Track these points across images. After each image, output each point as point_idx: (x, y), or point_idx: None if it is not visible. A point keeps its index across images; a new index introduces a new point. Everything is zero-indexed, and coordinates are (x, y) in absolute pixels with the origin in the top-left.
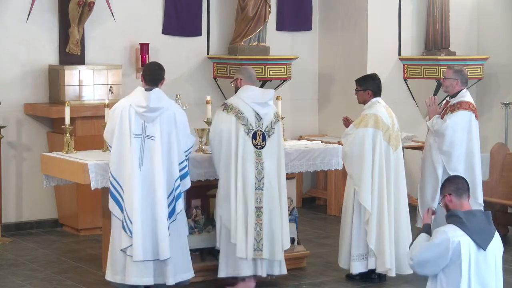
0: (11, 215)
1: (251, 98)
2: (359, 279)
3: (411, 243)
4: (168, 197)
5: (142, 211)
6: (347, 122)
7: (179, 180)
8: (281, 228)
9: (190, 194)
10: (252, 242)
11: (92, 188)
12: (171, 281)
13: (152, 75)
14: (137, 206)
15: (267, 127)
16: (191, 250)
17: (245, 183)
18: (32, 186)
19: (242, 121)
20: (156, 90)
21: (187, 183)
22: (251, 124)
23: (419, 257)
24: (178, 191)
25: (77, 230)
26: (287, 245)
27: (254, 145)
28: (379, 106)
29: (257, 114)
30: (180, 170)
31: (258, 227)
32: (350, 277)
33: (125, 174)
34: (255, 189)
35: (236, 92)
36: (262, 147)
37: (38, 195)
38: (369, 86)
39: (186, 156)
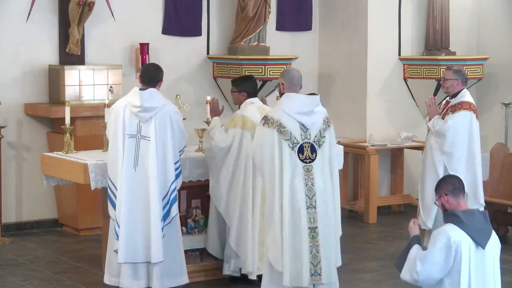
0: (11, 215)
1: (294, 108)
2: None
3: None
4: (163, 199)
5: (132, 212)
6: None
7: (175, 183)
8: (335, 246)
9: (190, 194)
10: (308, 267)
11: (92, 188)
12: (157, 286)
13: (148, 75)
14: (124, 208)
15: (315, 136)
16: (191, 250)
17: (294, 202)
18: (32, 186)
19: (285, 136)
20: (149, 90)
21: (178, 183)
22: (295, 138)
23: (426, 269)
24: (173, 194)
25: (77, 230)
26: (339, 262)
27: (302, 160)
28: (251, 107)
29: (303, 125)
30: (175, 170)
31: (314, 249)
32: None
33: (117, 175)
34: (307, 208)
35: (280, 97)
36: (312, 160)
37: (38, 195)
38: (245, 87)
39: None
